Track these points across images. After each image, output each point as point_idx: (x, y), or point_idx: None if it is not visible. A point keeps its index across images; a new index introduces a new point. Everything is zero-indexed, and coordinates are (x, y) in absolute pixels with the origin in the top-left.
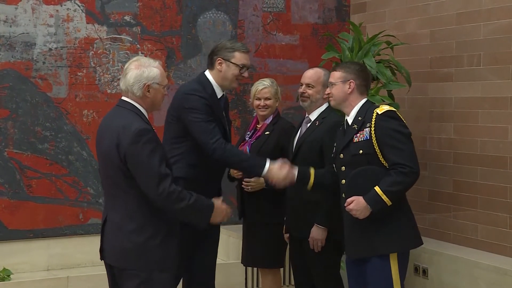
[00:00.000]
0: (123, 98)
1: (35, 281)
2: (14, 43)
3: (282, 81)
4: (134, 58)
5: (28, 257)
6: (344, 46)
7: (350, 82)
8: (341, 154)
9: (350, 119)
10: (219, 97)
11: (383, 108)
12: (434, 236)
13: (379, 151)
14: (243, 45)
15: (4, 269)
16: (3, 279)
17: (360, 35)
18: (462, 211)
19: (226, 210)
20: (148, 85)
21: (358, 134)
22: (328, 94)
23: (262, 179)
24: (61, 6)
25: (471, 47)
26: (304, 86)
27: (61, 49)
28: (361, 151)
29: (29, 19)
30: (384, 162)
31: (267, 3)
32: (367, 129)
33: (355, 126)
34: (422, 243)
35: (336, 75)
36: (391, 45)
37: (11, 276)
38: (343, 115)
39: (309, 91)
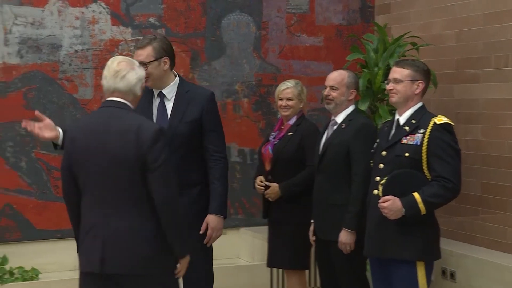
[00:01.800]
0: (115, 99)
1: (63, 280)
2: (41, 45)
3: (306, 82)
4: (119, 58)
5: (56, 257)
6: (368, 47)
7: (419, 83)
8: (384, 152)
9: (402, 119)
10: (156, 94)
11: (441, 119)
12: (461, 239)
13: (425, 159)
14: (140, 40)
15: (33, 268)
16: (31, 279)
17: (385, 36)
18: (490, 214)
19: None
20: (143, 84)
21: (408, 137)
22: (391, 90)
23: (276, 188)
24: (87, 8)
25: (498, 48)
26: (328, 88)
27: (87, 51)
28: (407, 154)
29: (56, 21)
30: (426, 171)
31: (291, 5)
32: (419, 135)
33: (407, 128)
34: (440, 257)
35: (405, 73)
36: (416, 46)
37: (39, 275)
38: (368, 117)
39: (333, 94)
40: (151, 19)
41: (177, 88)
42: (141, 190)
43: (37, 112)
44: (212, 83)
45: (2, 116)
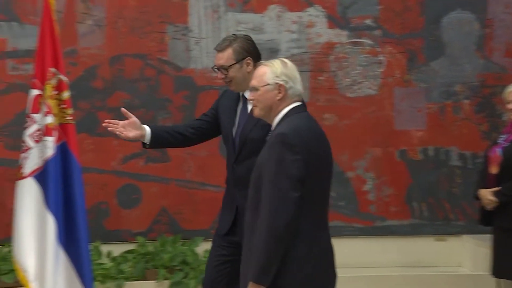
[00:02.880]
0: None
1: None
2: (261, 49)
3: None
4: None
5: None
6: None
7: None
8: None
9: None
10: (240, 95)
11: None
12: None
13: None
14: (220, 42)
15: None
16: None
17: None
18: None
19: None
20: None
21: None
22: None
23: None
24: (304, 12)
25: None
26: None
27: (303, 54)
28: None
29: (274, 26)
30: None
31: None
32: None
33: None
34: None
35: None
36: None
37: None
38: None
39: None
40: (367, 21)
41: None
42: None
43: (123, 109)
44: (430, 84)
45: None
